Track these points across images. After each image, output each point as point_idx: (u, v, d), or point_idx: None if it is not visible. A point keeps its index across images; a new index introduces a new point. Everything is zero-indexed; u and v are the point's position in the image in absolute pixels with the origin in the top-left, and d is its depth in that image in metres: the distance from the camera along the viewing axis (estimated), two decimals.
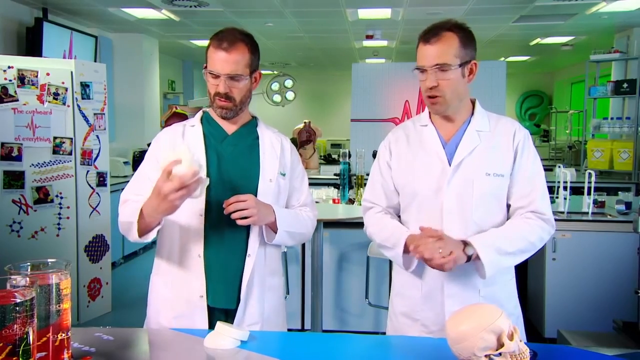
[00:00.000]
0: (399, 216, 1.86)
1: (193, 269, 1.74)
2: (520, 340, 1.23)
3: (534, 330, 3.83)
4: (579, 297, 3.65)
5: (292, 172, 1.89)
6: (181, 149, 1.52)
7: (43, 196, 4.00)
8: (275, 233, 1.78)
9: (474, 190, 1.69)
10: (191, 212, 1.72)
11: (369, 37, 7.46)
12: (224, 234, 1.73)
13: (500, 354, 1.20)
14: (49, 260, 1.27)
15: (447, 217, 1.71)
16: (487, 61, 5.94)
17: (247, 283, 1.76)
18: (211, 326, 1.68)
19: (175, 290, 1.77)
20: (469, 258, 1.62)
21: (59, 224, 4.08)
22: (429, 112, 1.80)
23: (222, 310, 1.77)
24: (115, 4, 5.58)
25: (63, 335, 1.22)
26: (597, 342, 3.26)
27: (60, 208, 4.08)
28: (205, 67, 1.76)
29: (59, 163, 4.06)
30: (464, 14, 5.71)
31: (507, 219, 1.75)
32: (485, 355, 1.21)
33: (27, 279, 1.15)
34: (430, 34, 1.67)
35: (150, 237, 1.70)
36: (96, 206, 4.32)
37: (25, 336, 1.05)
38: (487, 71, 5.68)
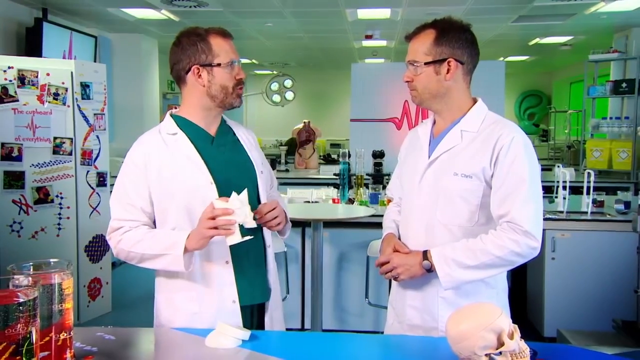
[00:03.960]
0: None
1: (222, 277, 1.71)
2: (521, 339, 1.23)
3: (533, 329, 3.83)
4: (578, 297, 3.66)
5: (263, 160, 1.95)
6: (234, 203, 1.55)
7: (43, 196, 4.00)
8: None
9: (441, 189, 1.68)
10: None
11: (368, 37, 7.46)
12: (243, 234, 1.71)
13: (500, 352, 1.20)
14: (51, 260, 1.28)
15: (416, 213, 1.74)
16: (485, 61, 5.84)
17: (271, 272, 1.84)
18: (245, 326, 1.65)
19: (204, 303, 1.70)
20: (430, 269, 1.63)
21: (59, 224, 4.08)
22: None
23: (249, 307, 1.77)
24: (114, 4, 5.58)
25: (65, 334, 1.23)
26: (597, 341, 3.26)
27: (61, 208, 4.08)
28: (218, 64, 1.70)
29: (59, 163, 4.06)
30: (462, 14, 5.71)
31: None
32: (486, 354, 1.21)
33: (30, 278, 1.16)
34: (413, 31, 1.73)
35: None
36: (96, 206, 4.33)
37: (28, 336, 1.06)
38: (486, 71, 5.64)
